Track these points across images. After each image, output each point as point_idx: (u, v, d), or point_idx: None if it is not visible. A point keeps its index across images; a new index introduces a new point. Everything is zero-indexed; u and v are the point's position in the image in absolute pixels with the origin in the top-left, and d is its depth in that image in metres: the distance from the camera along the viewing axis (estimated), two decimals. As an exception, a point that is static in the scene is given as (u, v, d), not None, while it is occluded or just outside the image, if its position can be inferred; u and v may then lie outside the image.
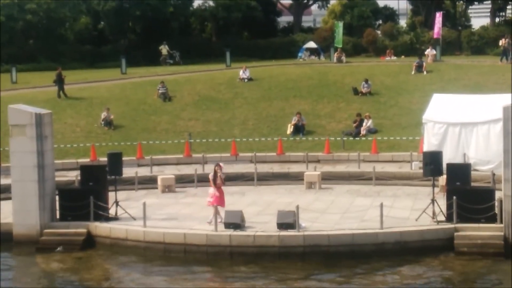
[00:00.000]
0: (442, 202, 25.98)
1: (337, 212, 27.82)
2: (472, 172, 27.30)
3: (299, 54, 67.80)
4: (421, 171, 28.07)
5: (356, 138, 41.18)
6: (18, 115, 27.56)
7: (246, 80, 51.62)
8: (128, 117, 45.44)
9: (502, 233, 24.58)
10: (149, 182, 34.69)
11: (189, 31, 77.84)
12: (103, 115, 44.11)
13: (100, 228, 26.64)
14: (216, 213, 25.54)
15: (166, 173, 35.61)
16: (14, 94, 49.95)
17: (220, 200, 26.35)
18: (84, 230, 26.71)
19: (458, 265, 23.64)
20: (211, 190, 26.56)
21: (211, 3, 77.67)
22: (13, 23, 68.07)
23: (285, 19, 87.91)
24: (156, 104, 47.64)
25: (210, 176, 26.69)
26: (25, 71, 58.69)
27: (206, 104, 47.45)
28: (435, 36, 62.83)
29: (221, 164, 27.12)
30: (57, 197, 27.79)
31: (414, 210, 27.42)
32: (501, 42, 55.84)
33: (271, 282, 22.56)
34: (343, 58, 60.42)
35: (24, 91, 51.24)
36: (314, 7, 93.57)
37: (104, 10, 71.89)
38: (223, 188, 26.89)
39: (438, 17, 61.84)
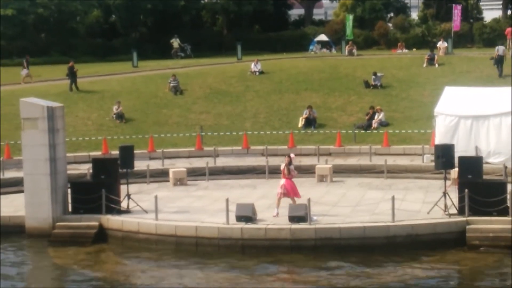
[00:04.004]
0: (454, 195, 25.93)
1: (349, 205, 27.81)
2: (484, 165, 27.20)
3: (310, 47, 67.67)
4: (433, 164, 28.07)
5: (368, 131, 41.14)
6: (30, 108, 27.62)
7: (257, 73, 51.61)
8: (140, 110, 45.51)
9: (514, 226, 24.54)
10: (160, 175, 34.74)
11: (200, 24, 77.77)
12: (115, 108, 44.20)
13: (112, 221, 26.70)
14: (293, 202, 25.78)
15: (177, 166, 35.64)
16: (26, 87, 50.09)
17: (294, 191, 26.19)
18: (96, 223, 26.78)
19: (469, 258, 23.60)
20: (282, 181, 26.28)
21: (222, -4, 77.68)
22: (24, 16, 68.20)
23: (296, 12, 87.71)
24: (168, 97, 47.69)
25: (282, 167, 26.41)
26: (36, 65, 58.73)
27: (218, 97, 47.46)
28: (455, 29, 62.64)
29: (291, 155, 26.86)
30: (69, 190, 27.86)
31: (425, 203, 27.38)
32: None
33: (283, 275, 22.58)
34: (355, 51, 60.27)
35: (36, 85, 51.37)
36: (325, 0, 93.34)
37: (115, 3, 71.93)
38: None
39: (456, 9, 61.73)
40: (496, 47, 49.01)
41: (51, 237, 26.56)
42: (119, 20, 75.00)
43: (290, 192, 26.11)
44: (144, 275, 23.03)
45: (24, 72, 52.89)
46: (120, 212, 27.18)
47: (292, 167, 26.24)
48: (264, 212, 26.29)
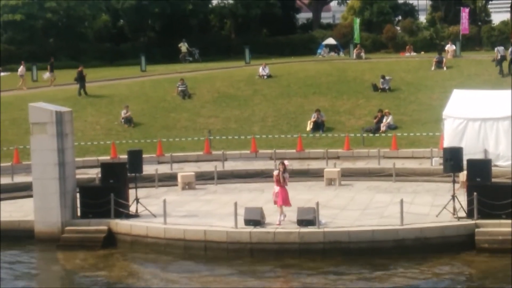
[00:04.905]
0: (462, 198, 25.87)
1: (357, 208, 27.79)
2: (493, 168, 27.15)
3: (319, 51, 67.79)
4: (441, 167, 28.01)
5: (376, 135, 41.11)
6: (38, 113, 27.69)
7: (265, 77, 51.65)
8: (148, 115, 45.58)
9: (523, 229, 24.47)
10: (169, 179, 34.77)
11: (208, 28, 77.95)
12: (123, 113, 44.28)
13: (120, 225, 26.74)
14: (281, 212, 25.51)
15: (186, 170, 35.68)
16: (35, 92, 50.26)
17: (285, 200, 25.91)
18: (105, 227, 26.81)
19: (479, 262, 23.56)
20: (275, 189, 26.04)
21: (230, 0, 77.71)
22: (33, 21, 68.50)
23: (304, 16, 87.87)
24: (176, 102, 47.76)
25: (275, 174, 26.17)
26: (45, 69, 58.92)
27: (226, 101, 47.50)
28: (462, 32, 62.72)
29: (285, 162, 26.59)
30: (78, 195, 27.91)
31: (434, 206, 27.34)
32: None
33: (291, 279, 22.58)
34: (363, 54, 60.34)
35: (45, 89, 51.52)
36: (333, 3, 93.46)
37: (123, 8, 72.15)
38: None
39: (464, 12, 61.81)
40: (496, 48, 50.13)
41: (60, 242, 26.59)
42: (127, 25, 75.25)
43: (281, 201, 25.73)
44: (153, 279, 23.06)
45: (46, 75, 53.18)
46: (128, 216, 27.21)
47: (286, 174, 26.05)
48: (272, 216, 26.24)
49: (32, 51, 65.88)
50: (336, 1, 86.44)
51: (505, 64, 48.70)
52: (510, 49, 49.29)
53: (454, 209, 25.69)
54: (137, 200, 27.74)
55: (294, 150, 39.52)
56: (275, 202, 25.95)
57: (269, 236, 24.59)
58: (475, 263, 23.51)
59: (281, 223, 25.42)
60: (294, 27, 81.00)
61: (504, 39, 67.52)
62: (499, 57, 48.86)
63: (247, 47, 61.53)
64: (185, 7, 71.49)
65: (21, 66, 54.32)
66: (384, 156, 37.65)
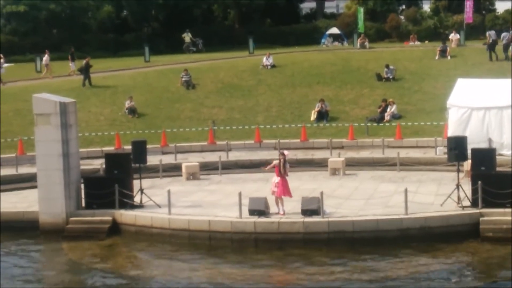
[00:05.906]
0: (467, 187, 25.87)
1: (362, 198, 27.78)
2: (497, 157, 27.15)
3: (322, 40, 67.63)
4: (446, 156, 28.01)
5: (380, 124, 41.07)
6: (42, 104, 27.69)
7: (269, 67, 51.57)
8: (152, 105, 45.58)
9: (527, 218, 24.46)
10: (173, 170, 34.80)
11: (212, 18, 77.81)
12: (127, 103, 44.27)
13: (125, 215, 26.78)
14: (281, 203, 25.48)
15: (190, 161, 35.68)
16: (39, 83, 50.28)
17: (286, 190, 25.81)
18: (109, 218, 26.86)
19: (483, 250, 23.57)
20: (275, 179, 25.90)
21: (233, -10, 77.56)
22: (36, 12, 68.45)
23: (308, 5, 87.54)
24: (180, 92, 47.74)
25: (275, 164, 26.00)
26: (49, 60, 58.92)
27: (230, 92, 47.47)
28: (466, 20, 62.57)
29: (285, 152, 26.48)
30: (82, 186, 27.95)
31: (439, 195, 27.32)
32: None
33: (296, 269, 22.60)
34: (367, 43, 60.18)
35: (49, 80, 51.53)
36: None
37: (127, -2, 72.13)
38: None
39: (468, 1, 61.66)
40: (488, 32, 50.91)
41: (64, 232, 26.66)
42: (131, 15, 75.10)
43: (281, 192, 25.62)
44: (157, 269, 23.10)
45: (72, 65, 53.29)
46: (133, 206, 27.25)
47: (287, 165, 25.98)
48: (276, 206, 26.27)
49: (35, 42, 65.82)
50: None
51: (498, 49, 49.20)
52: (503, 35, 49.37)
53: (459, 198, 25.69)
54: (141, 190, 27.78)
55: (298, 140, 39.52)
56: (273, 193, 25.85)
57: (274, 226, 24.62)
58: (480, 252, 23.52)
59: (285, 213, 25.42)
60: (297, 17, 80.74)
61: (508, 27, 67.31)
62: (490, 41, 49.15)
63: (251, 37, 61.39)
64: (189, -3, 71.45)
65: (46, 55, 54.44)
66: (388, 146, 37.63)
